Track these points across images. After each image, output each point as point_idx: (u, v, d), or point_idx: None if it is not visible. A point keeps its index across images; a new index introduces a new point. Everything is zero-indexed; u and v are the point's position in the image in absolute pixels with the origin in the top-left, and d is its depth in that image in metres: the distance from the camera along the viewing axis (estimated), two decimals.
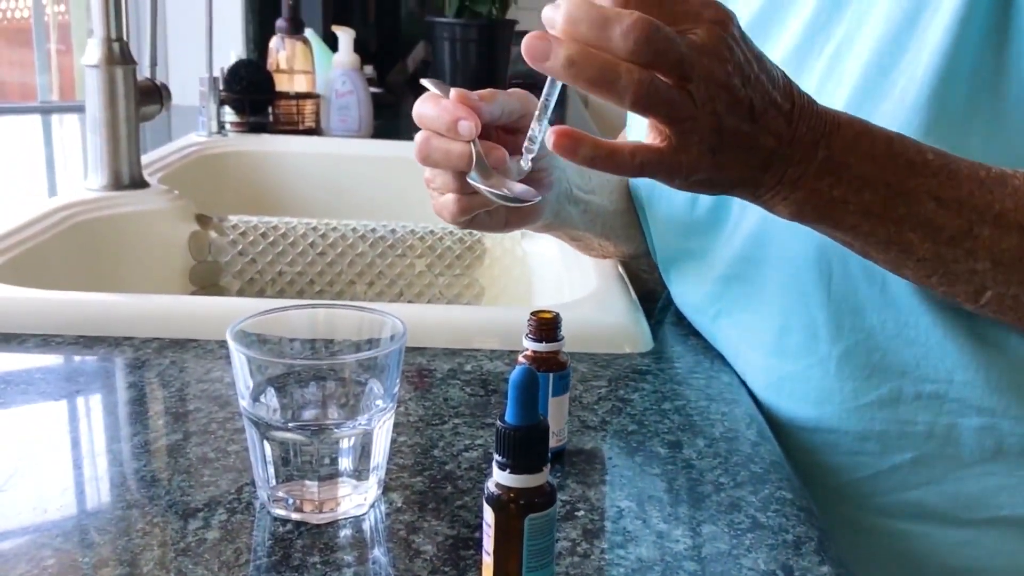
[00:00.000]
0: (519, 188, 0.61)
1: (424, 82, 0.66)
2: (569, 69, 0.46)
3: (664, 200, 0.77)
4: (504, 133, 0.67)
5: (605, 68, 0.46)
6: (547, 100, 0.54)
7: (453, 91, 0.63)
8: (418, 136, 0.63)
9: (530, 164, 0.62)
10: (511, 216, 0.71)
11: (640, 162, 0.49)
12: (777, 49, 0.69)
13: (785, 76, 0.53)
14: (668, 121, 0.48)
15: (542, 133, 0.55)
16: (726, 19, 0.49)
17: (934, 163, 0.54)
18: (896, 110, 0.60)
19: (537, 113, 0.56)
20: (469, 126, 0.60)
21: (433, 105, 0.62)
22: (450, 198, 0.66)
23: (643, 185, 0.80)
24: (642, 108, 0.47)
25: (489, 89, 0.64)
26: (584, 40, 0.46)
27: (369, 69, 2.07)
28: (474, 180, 0.61)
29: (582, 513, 0.52)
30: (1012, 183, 0.54)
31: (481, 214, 0.68)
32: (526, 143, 0.59)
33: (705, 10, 0.49)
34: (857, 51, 0.63)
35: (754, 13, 0.71)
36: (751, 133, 0.50)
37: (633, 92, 0.46)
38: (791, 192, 0.52)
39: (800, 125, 0.52)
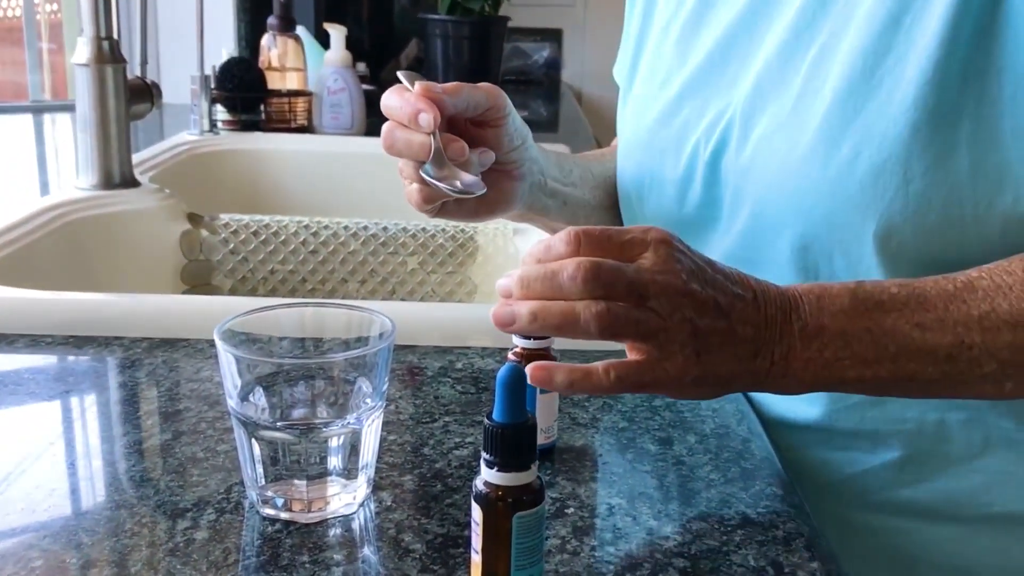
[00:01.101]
0: (468, 180, 0.63)
1: (399, 74, 0.68)
2: (535, 323, 0.50)
3: (653, 198, 0.77)
4: (473, 126, 0.69)
5: (565, 311, 0.50)
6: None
7: (417, 84, 0.65)
8: (384, 126, 0.66)
9: (492, 156, 0.67)
10: (480, 206, 0.72)
11: (616, 376, 0.51)
12: (762, 49, 0.69)
13: (737, 270, 0.55)
14: (640, 338, 0.51)
15: None
16: (668, 237, 0.53)
17: (900, 295, 0.55)
18: (883, 110, 0.60)
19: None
20: (428, 118, 0.62)
21: (398, 97, 0.65)
22: (415, 187, 0.68)
23: (632, 182, 0.80)
24: (610, 334, 0.50)
25: (455, 83, 0.66)
26: (540, 295, 0.50)
27: (362, 66, 2.06)
28: (426, 172, 0.63)
29: (572, 510, 0.52)
30: (980, 286, 0.55)
31: (450, 203, 0.70)
32: None
33: (647, 235, 0.53)
34: (842, 50, 0.63)
35: (739, 13, 0.71)
36: (728, 328, 0.52)
37: (596, 323, 0.49)
38: (787, 368, 0.54)
39: (767, 308, 0.54)
